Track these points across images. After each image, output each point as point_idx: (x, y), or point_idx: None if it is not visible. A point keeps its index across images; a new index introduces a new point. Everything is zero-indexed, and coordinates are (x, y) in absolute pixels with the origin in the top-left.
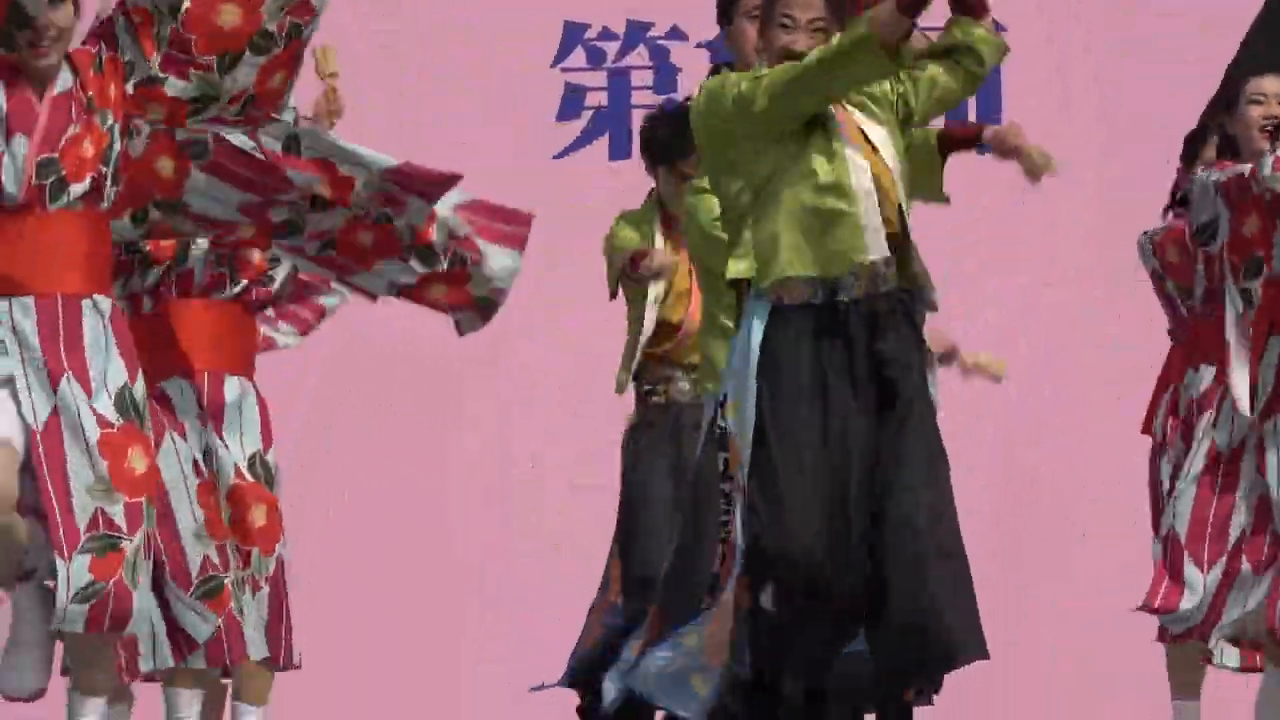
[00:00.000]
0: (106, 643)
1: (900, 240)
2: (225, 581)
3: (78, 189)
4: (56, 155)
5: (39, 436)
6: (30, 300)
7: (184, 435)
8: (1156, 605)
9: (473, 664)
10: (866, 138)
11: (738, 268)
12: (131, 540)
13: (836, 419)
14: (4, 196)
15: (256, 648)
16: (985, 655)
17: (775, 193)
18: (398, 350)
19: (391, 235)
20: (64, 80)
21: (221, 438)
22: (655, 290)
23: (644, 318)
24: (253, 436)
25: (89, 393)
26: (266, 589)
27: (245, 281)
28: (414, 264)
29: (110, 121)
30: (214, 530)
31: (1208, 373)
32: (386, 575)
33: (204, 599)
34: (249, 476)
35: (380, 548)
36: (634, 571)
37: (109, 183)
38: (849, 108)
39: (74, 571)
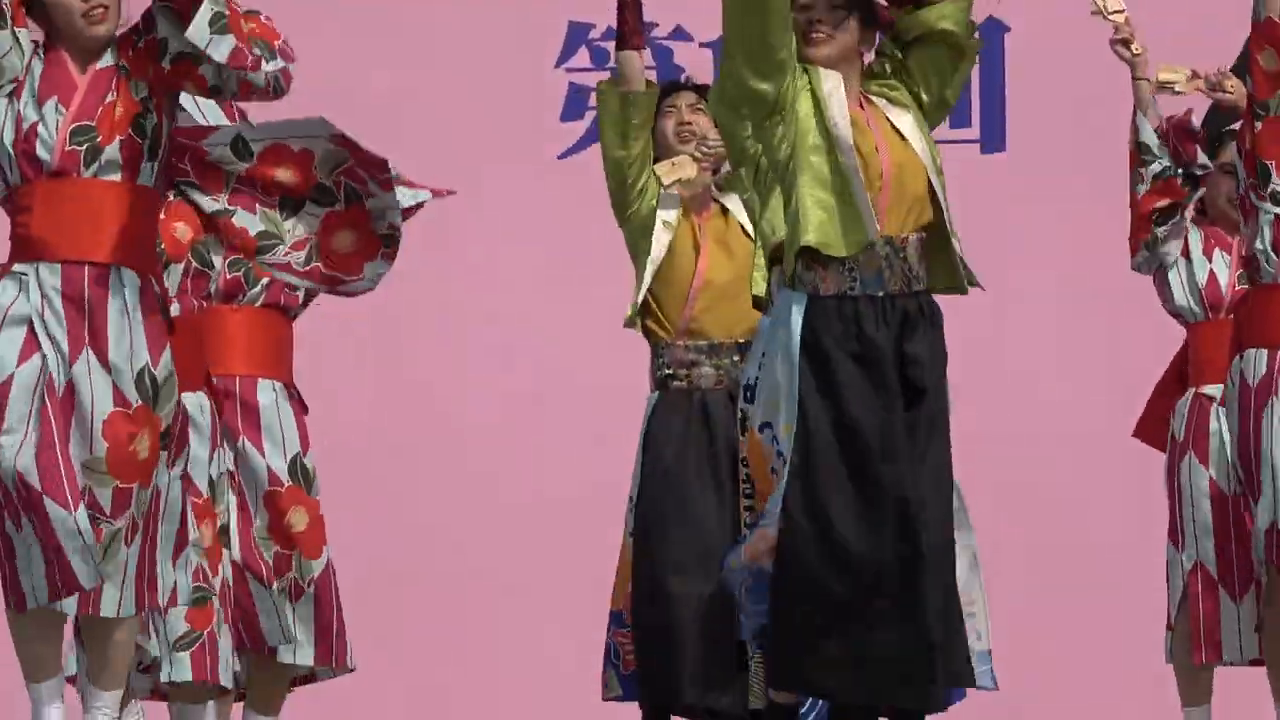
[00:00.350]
0: (120, 633)
1: (937, 232)
2: (212, 598)
3: (109, 152)
4: (92, 123)
5: (57, 404)
6: (58, 267)
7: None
8: (1204, 660)
9: (494, 671)
10: (894, 126)
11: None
12: (113, 523)
13: (878, 417)
14: (41, 162)
15: (227, 676)
16: (973, 684)
17: (795, 176)
18: (400, 361)
19: (369, 231)
20: (107, 57)
21: (259, 444)
22: (666, 215)
23: (651, 249)
24: (291, 440)
25: (107, 368)
26: (311, 592)
27: (265, 281)
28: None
29: (144, 93)
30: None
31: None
32: (401, 583)
33: (191, 606)
34: (287, 480)
35: (399, 551)
36: (647, 575)
37: (145, 156)
38: (875, 99)
39: (70, 527)
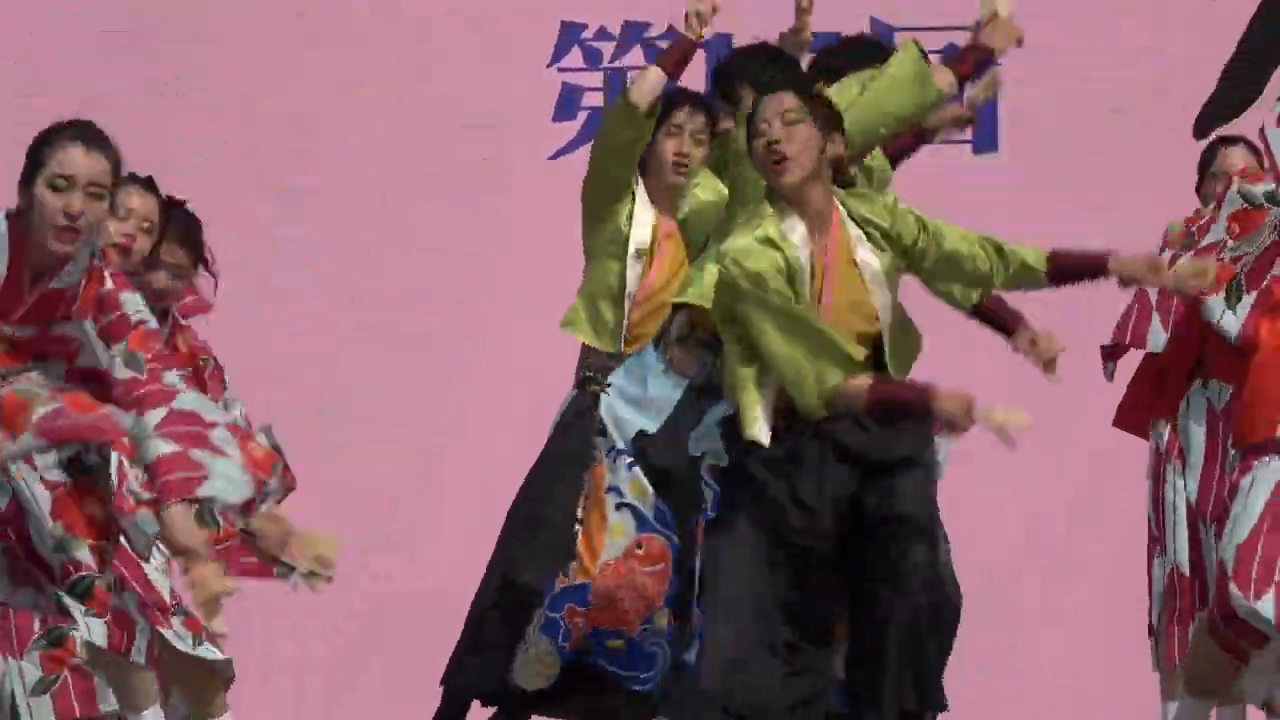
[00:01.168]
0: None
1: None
2: (71, 634)
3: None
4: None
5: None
6: None
7: None
8: (1177, 661)
9: None
10: (854, 261)
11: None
12: (106, 575)
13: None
14: None
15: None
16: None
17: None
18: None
19: None
20: (69, 276)
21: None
22: (638, 238)
23: (623, 272)
24: None
25: (34, 465)
26: None
27: None
28: None
29: (60, 349)
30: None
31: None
32: (396, 584)
33: (46, 650)
34: None
35: (397, 552)
36: (503, 564)
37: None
38: (850, 230)
39: (85, 625)
